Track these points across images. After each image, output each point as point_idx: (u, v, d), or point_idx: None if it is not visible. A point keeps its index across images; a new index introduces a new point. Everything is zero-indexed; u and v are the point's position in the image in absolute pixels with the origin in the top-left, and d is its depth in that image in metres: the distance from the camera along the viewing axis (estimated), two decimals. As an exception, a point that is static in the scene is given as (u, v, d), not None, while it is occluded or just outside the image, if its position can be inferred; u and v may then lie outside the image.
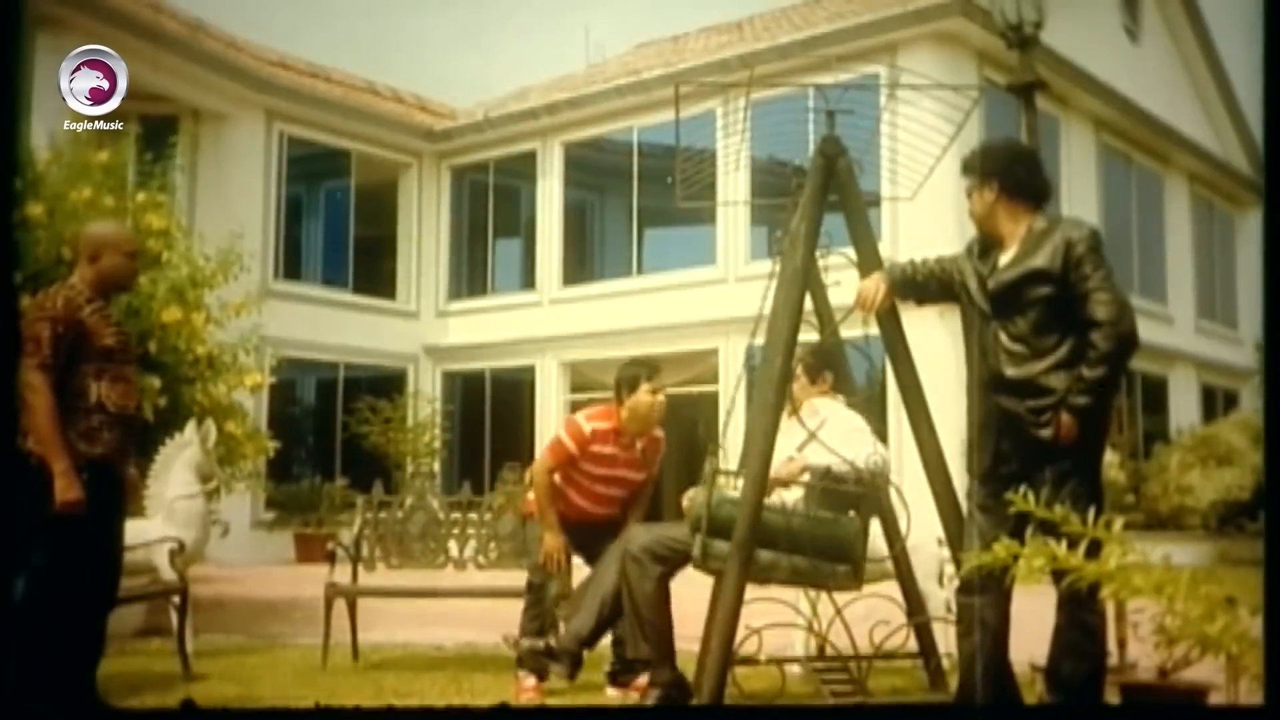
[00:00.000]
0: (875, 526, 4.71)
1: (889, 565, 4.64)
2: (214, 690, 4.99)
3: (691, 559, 4.27)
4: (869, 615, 4.53)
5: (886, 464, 4.45)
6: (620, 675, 5.01)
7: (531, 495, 5.22)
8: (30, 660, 3.86)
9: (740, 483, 4.36)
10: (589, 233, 17.11)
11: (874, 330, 4.47)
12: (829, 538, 4.21)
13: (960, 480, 4.10)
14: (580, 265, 16.51)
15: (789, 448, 4.48)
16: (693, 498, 4.40)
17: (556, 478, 5.08)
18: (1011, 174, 3.87)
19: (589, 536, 5.12)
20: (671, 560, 4.47)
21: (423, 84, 18.23)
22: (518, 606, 5.27)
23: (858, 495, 4.33)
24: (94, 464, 3.96)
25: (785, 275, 4.37)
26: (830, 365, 4.82)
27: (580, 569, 5.28)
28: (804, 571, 4.21)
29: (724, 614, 4.11)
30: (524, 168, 16.60)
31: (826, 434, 4.39)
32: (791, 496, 4.32)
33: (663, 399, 5.02)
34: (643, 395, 4.96)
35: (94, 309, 4.07)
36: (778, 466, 4.39)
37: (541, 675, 4.97)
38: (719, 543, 4.16)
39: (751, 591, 4.18)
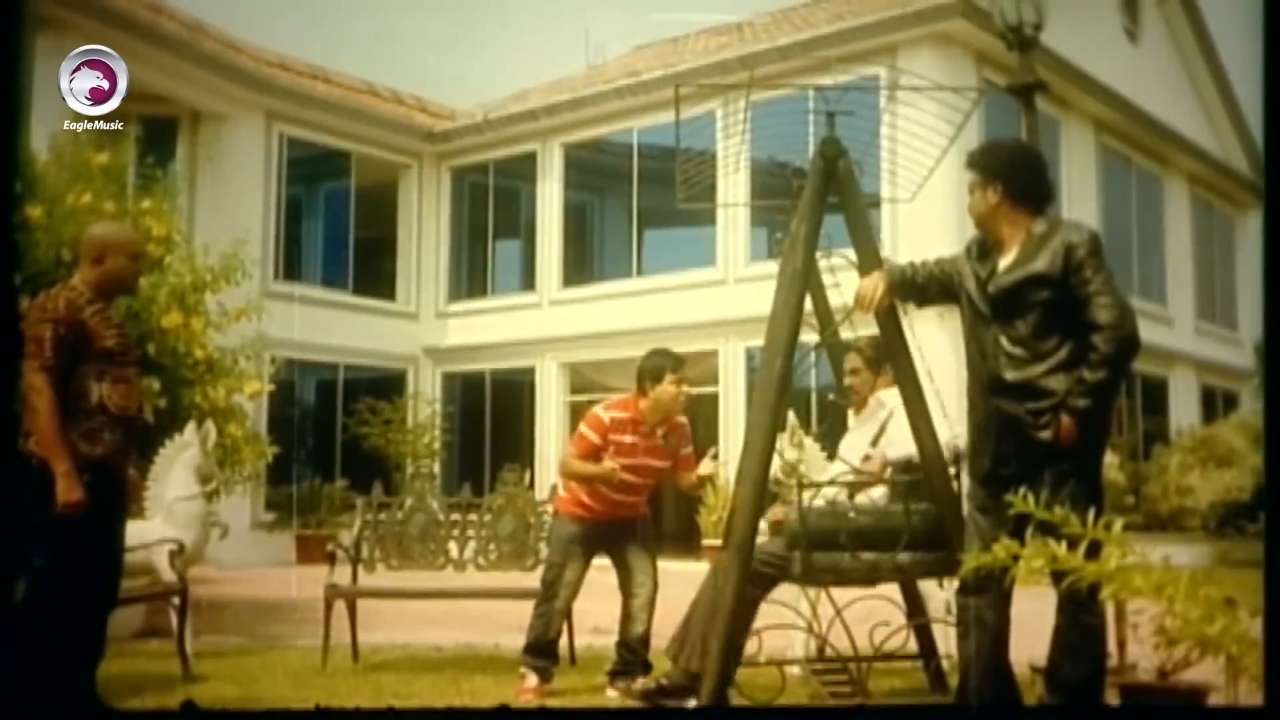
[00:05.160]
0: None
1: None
2: (214, 691, 4.98)
3: (792, 575, 4.25)
4: (869, 616, 4.53)
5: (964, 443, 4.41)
6: (621, 675, 5.01)
7: (563, 492, 5.28)
8: (30, 661, 3.86)
9: (828, 491, 4.36)
10: (589, 234, 17.11)
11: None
12: (926, 530, 4.15)
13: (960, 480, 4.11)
14: (580, 266, 16.51)
15: (862, 445, 4.46)
16: (786, 513, 4.36)
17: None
18: (1017, 178, 3.85)
19: (615, 534, 5.15)
20: (766, 576, 4.37)
21: (423, 85, 18.24)
22: (518, 608, 5.27)
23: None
24: (95, 465, 3.95)
25: (785, 277, 4.37)
26: (889, 357, 4.78)
27: (595, 567, 5.24)
28: (907, 566, 4.19)
29: (724, 615, 4.10)
30: (524, 169, 16.60)
31: (896, 424, 4.40)
32: (876, 494, 4.32)
33: (687, 389, 5.07)
34: (667, 386, 4.99)
35: (95, 310, 4.06)
36: (858, 466, 4.40)
37: (544, 676, 4.97)
38: (819, 555, 4.11)
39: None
